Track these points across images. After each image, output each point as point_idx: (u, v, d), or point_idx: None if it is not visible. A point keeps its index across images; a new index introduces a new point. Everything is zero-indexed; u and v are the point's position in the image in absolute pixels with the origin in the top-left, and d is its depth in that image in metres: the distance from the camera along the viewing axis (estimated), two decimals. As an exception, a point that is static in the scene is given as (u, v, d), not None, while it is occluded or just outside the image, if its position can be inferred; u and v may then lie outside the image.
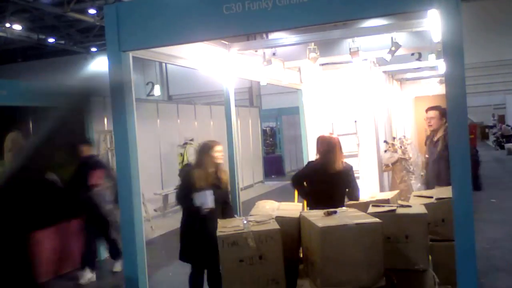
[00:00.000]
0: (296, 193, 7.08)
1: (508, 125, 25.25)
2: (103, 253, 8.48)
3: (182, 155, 11.85)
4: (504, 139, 24.12)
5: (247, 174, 17.08)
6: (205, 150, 5.07)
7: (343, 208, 4.36)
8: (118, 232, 5.92)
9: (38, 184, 2.05)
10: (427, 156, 6.58)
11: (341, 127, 6.93)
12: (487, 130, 30.21)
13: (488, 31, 26.16)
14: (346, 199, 5.14)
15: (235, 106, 5.19)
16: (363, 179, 6.75)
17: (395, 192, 5.61)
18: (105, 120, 10.20)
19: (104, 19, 3.62)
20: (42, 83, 20.92)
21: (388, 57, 5.84)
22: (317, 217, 3.91)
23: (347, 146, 6.94)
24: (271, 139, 23.61)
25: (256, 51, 5.60)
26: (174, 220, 10.16)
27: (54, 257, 7.47)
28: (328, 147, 5.14)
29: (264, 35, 15.97)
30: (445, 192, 4.54)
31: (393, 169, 7.70)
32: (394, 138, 8.47)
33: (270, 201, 5.06)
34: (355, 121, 6.88)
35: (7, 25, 22.68)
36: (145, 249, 3.55)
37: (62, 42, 28.30)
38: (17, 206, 1.95)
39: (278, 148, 22.81)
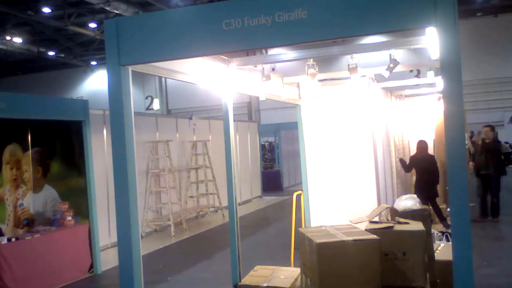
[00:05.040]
0: (294, 206, 7.06)
1: (506, 142, 25.27)
2: (100, 266, 8.43)
3: None
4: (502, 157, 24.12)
5: (245, 189, 17.04)
6: None
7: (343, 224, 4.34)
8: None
9: None
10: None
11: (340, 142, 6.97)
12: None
13: (486, 48, 26.33)
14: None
15: (234, 120, 5.20)
16: (361, 193, 6.76)
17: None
18: (104, 132, 10.21)
19: (104, 33, 3.65)
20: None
21: (386, 74, 5.87)
22: (315, 233, 3.90)
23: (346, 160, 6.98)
24: (269, 154, 23.61)
25: (255, 66, 5.62)
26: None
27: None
28: None
29: (263, 51, 16.03)
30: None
31: None
32: None
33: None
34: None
35: (8, 37, 22.78)
36: (141, 253, 3.54)
37: (62, 55, 28.40)
38: None
39: (277, 163, 22.80)
